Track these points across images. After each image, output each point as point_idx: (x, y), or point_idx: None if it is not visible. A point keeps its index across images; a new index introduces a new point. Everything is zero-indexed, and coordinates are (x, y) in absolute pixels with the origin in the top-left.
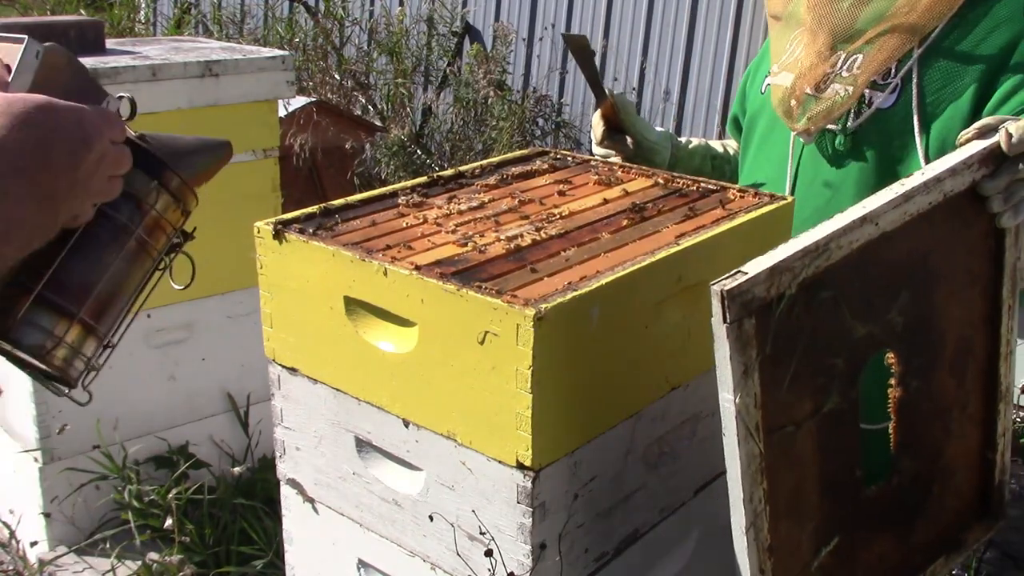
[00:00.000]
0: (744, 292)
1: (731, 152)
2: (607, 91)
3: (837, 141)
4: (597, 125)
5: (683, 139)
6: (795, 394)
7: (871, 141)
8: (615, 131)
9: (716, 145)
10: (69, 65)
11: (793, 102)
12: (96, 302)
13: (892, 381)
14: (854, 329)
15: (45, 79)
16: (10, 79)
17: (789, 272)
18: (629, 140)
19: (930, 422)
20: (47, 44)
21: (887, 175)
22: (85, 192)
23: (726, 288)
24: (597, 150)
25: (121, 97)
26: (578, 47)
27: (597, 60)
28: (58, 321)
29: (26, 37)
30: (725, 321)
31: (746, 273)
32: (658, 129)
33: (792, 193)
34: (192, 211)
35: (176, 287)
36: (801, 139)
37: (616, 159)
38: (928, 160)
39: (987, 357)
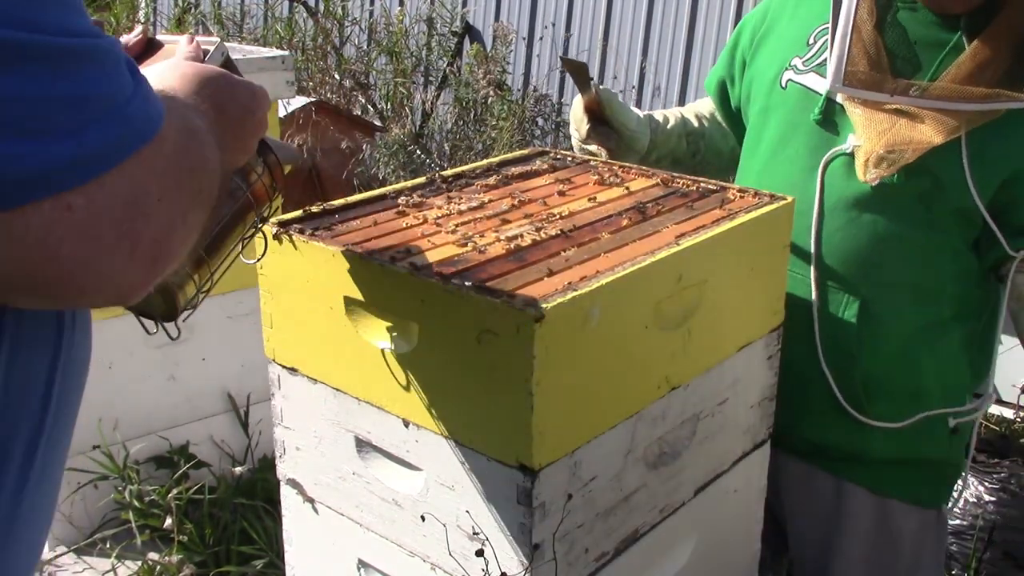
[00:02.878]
0: None
1: (706, 124)
2: (591, 86)
3: None
4: (582, 121)
5: (659, 115)
6: None
7: (914, 164)
8: (599, 123)
9: (691, 118)
10: (230, 61)
11: (863, 161)
12: (210, 245)
13: None
14: None
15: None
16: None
17: None
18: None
19: None
20: (223, 46)
21: (930, 196)
22: (244, 147)
23: None
24: (582, 147)
25: None
26: (576, 70)
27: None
28: None
29: (218, 40)
30: None
31: None
32: (637, 113)
33: (821, 203)
34: (274, 196)
35: (247, 262)
36: (870, 183)
37: (602, 152)
38: (977, 186)
39: None
